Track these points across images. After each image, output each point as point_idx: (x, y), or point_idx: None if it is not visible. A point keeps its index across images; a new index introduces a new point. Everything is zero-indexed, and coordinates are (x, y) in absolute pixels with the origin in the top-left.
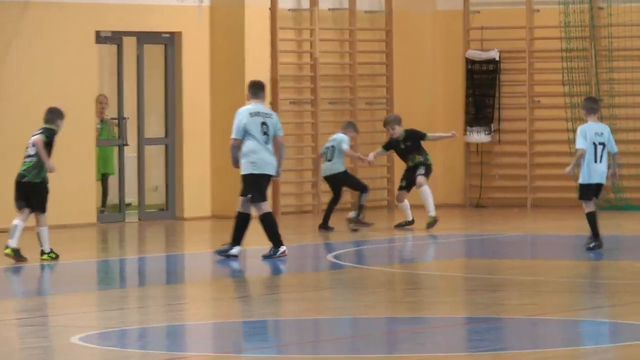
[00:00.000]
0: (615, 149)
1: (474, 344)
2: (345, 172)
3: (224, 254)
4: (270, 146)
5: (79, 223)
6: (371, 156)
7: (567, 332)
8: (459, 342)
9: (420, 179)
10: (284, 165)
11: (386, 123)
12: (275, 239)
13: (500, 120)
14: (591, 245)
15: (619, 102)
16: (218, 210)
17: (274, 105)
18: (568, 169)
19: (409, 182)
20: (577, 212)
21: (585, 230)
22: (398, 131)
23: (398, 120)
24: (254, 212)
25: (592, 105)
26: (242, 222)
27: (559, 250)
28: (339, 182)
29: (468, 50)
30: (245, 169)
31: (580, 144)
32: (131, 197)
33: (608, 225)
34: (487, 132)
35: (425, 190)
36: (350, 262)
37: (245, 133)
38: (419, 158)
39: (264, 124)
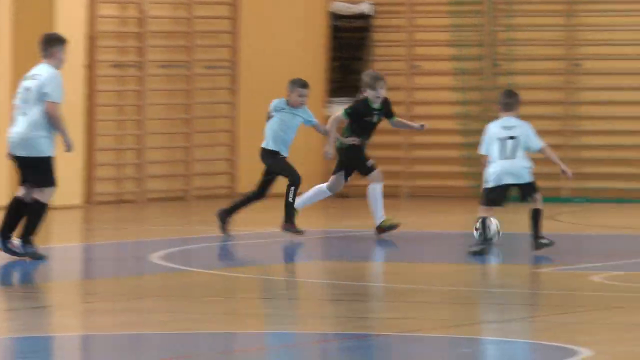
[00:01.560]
0: (538, 145)
1: None
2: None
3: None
4: (29, 117)
5: None
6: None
7: (448, 353)
8: None
9: (377, 174)
10: (65, 138)
11: (377, 82)
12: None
13: None
14: (477, 249)
15: (520, 69)
16: None
17: (91, 68)
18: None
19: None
20: (465, 204)
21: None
22: (382, 96)
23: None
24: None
25: (506, 100)
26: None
27: (441, 251)
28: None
29: (333, 2)
30: None
31: (482, 148)
32: None
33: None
34: None
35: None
36: (181, 265)
37: None
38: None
39: (26, 89)
